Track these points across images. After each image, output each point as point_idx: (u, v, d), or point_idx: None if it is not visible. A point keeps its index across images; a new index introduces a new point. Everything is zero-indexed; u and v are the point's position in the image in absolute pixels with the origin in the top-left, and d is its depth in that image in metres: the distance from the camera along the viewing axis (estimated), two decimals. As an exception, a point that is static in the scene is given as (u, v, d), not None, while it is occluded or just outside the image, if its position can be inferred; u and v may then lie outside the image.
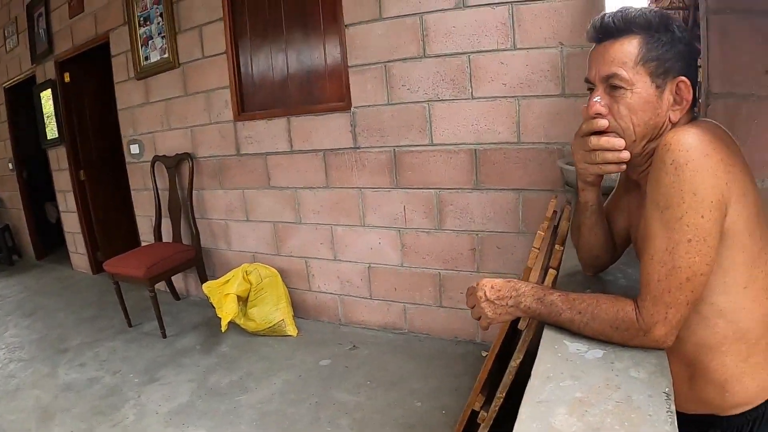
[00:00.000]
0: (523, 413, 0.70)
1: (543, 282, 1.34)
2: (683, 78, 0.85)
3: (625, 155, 0.88)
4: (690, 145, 0.77)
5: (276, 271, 2.98)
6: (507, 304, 0.94)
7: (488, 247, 2.61)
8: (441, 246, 2.67)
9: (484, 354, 2.63)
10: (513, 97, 2.46)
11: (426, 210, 2.67)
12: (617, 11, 0.87)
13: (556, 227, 2.02)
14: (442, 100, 2.57)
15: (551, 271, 1.35)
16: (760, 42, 1.43)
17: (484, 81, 2.49)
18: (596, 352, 0.83)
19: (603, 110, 0.87)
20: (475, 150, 2.56)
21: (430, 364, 2.55)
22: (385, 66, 2.64)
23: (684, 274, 0.78)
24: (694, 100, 0.88)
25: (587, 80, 0.92)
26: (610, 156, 0.89)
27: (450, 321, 2.74)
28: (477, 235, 2.62)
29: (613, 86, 0.86)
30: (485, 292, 0.96)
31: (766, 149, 1.44)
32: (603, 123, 0.88)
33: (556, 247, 1.52)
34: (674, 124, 0.87)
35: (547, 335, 0.89)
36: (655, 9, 0.87)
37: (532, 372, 0.80)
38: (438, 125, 2.60)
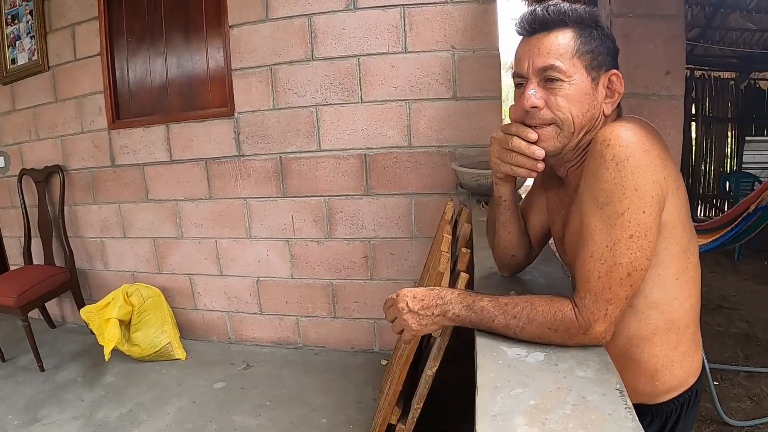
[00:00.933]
0: (481, 431, 0.67)
1: (456, 287, 1.29)
2: (615, 71, 0.86)
3: (540, 166, 0.88)
4: (630, 141, 0.76)
5: (159, 290, 2.76)
6: (433, 314, 0.88)
7: (381, 253, 2.56)
8: (332, 255, 2.59)
9: (383, 363, 2.57)
10: (404, 100, 2.46)
11: (315, 219, 2.57)
12: (550, 5, 0.85)
13: (454, 228, 2.01)
14: (331, 104, 2.51)
15: (463, 275, 1.32)
16: (661, 45, 1.53)
17: (374, 85, 2.46)
18: (537, 355, 0.81)
19: (539, 103, 0.85)
20: (365, 155, 2.51)
21: (329, 378, 2.48)
22: (271, 69, 2.53)
23: (625, 270, 0.78)
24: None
25: (517, 75, 0.88)
26: (524, 161, 0.88)
27: (346, 331, 2.67)
28: (369, 242, 2.56)
29: (549, 78, 0.84)
30: (407, 303, 0.90)
31: (668, 147, 1.53)
32: (533, 136, 0.86)
33: (462, 249, 1.50)
34: (606, 118, 0.87)
35: (482, 342, 0.86)
36: (584, 7, 0.88)
37: (478, 383, 0.76)
38: (326, 130, 2.52)
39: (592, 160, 0.80)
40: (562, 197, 0.99)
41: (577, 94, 0.84)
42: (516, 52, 0.89)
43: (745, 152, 5.83)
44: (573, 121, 0.85)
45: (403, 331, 0.92)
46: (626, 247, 0.77)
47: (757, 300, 3.48)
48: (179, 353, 2.71)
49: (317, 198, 2.55)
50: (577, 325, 0.79)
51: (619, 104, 0.90)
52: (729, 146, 5.95)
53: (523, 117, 0.87)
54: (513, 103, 0.91)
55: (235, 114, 2.59)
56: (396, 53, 2.42)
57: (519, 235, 1.06)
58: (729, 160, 5.97)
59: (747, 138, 5.85)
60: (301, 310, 2.66)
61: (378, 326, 2.65)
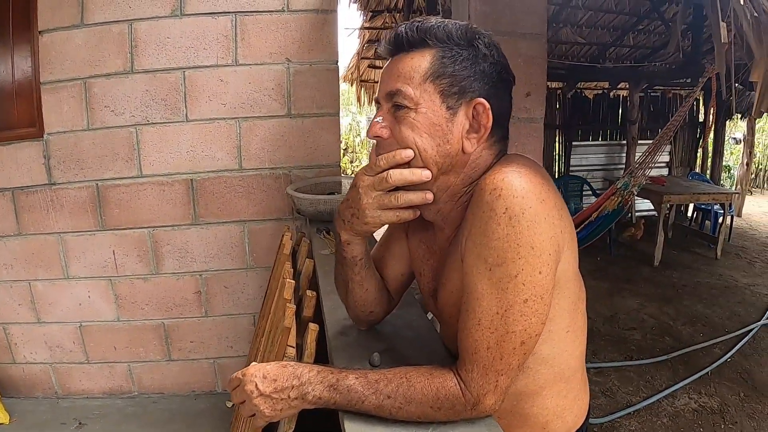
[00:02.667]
0: None
1: (306, 341, 1.16)
2: (480, 100, 0.73)
3: (430, 196, 0.76)
4: (524, 190, 0.66)
5: (-32, 344, 2.41)
6: (289, 397, 0.75)
7: (215, 287, 2.35)
8: (161, 293, 2.34)
9: (229, 404, 2.37)
10: (233, 118, 2.25)
11: (140, 253, 2.31)
12: (414, 21, 0.75)
13: (294, 260, 1.84)
14: (153, 123, 2.24)
15: (312, 327, 1.16)
16: (522, 64, 1.48)
17: (201, 101, 2.23)
18: None
19: (383, 133, 0.75)
20: (192, 180, 2.27)
21: (171, 429, 2.23)
22: (86, 83, 2.22)
23: (519, 338, 0.68)
24: (506, 130, 0.79)
25: (376, 100, 0.79)
26: (412, 196, 0.75)
27: (183, 374, 2.44)
28: (201, 275, 2.34)
29: (397, 105, 0.74)
30: (257, 385, 0.75)
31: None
32: (408, 153, 0.73)
33: (308, 293, 1.33)
34: (470, 155, 0.75)
35: (352, 428, 0.74)
36: (462, 22, 0.75)
37: None
38: (148, 153, 2.26)
39: (480, 213, 0.68)
40: (429, 244, 0.87)
41: (424, 124, 0.72)
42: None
43: (572, 156, 6.22)
44: (420, 155, 0.73)
45: (255, 415, 0.77)
46: (520, 313, 0.67)
47: (593, 295, 3.50)
48: (1, 416, 2.37)
49: (141, 230, 2.28)
50: (464, 401, 0.70)
51: (506, 142, 0.79)
52: (557, 151, 6.28)
53: (374, 148, 0.77)
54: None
55: (45, 135, 2.25)
56: (226, 66, 2.20)
57: (377, 290, 0.93)
58: (557, 164, 6.29)
59: (574, 143, 6.22)
60: (132, 355, 2.39)
61: (218, 365, 2.43)
